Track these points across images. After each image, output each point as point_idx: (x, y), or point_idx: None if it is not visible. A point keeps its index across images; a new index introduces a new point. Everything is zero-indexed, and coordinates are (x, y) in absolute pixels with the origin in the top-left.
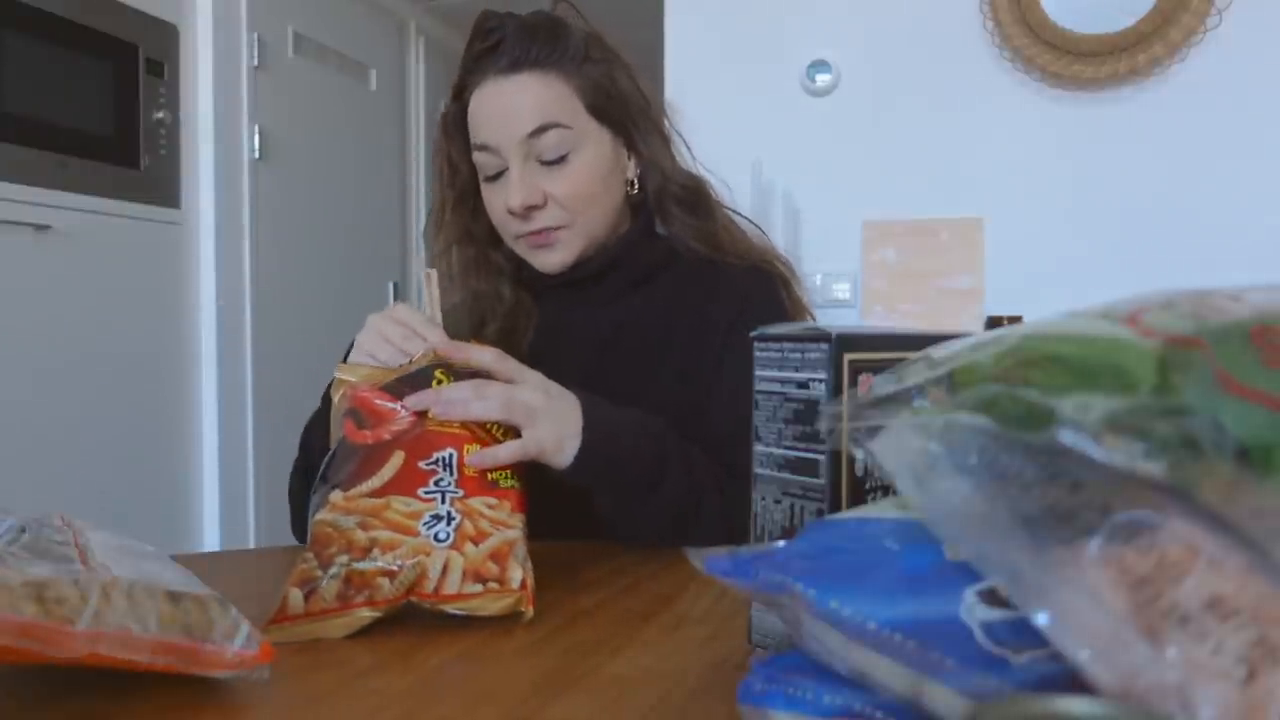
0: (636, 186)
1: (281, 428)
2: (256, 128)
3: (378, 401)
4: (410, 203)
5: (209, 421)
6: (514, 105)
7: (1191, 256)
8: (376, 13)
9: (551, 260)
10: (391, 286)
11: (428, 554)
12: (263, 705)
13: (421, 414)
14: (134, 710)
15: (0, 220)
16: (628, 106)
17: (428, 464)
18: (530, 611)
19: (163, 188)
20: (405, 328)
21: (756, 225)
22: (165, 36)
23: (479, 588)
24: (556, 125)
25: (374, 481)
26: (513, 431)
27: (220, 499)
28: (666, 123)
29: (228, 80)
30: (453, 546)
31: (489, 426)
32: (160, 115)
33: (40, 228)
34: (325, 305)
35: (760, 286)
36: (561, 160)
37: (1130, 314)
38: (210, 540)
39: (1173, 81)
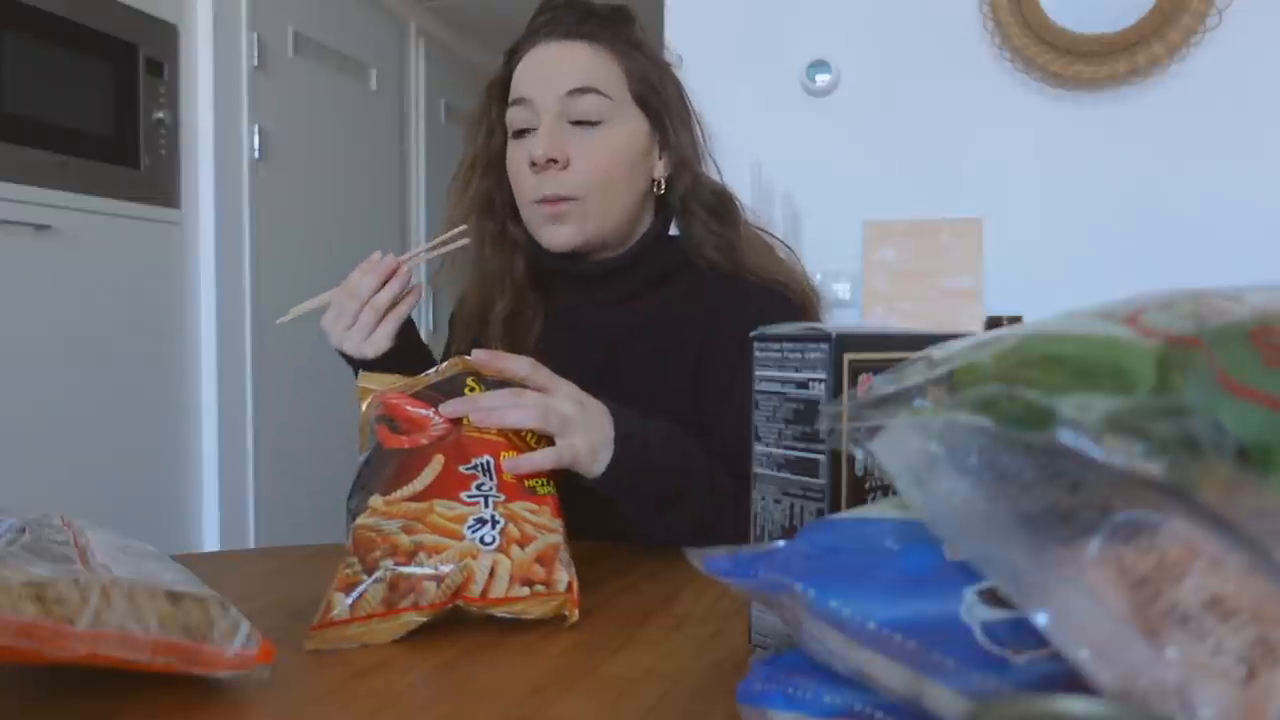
0: (663, 187)
1: (281, 428)
2: (256, 128)
3: (410, 408)
4: (410, 203)
5: (209, 421)
6: (560, 64)
7: (1191, 256)
8: (376, 13)
9: (559, 236)
10: None
11: (475, 557)
12: (263, 705)
13: (456, 421)
14: (134, 710)
15: (0, 220)
16: (669, 105)
17: (468, 469)
18: (575, 614)
19: (162, 188)
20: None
21: (789, 247)
22: (165, 36)
23: (526, 591)
24: (597, 91)
25: (415, 485)
26: (545, 440)
27: (220, 499)
28: (704, 141)
29: (228, 80)
30: (500, 550)
31: (524, 434)
32: (160, 115)
33: (40, 228)
34: None
35: (774, 309)
36: (593, 125)
37: (1130, 314)
38: (210, 540)
39: (1173, 81)
